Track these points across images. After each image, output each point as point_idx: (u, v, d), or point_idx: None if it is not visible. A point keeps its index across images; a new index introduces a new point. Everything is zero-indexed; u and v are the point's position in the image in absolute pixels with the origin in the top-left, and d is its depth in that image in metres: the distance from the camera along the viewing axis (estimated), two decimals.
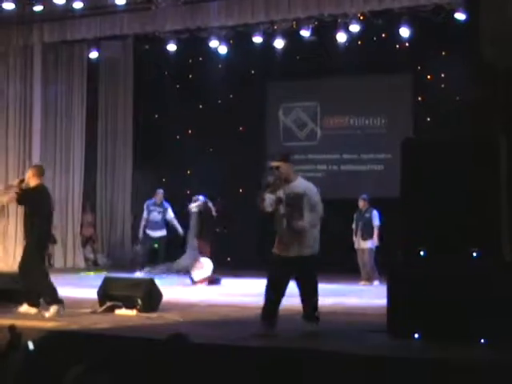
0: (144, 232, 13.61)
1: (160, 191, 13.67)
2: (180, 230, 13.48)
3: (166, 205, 13.63)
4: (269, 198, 6.97)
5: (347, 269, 13.13)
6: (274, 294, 6.99)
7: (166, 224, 13.61)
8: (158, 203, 13.56)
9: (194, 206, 13.01)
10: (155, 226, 13.53)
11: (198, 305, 9.45)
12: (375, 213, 12.30)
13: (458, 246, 6.70)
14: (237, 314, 8.35)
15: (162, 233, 13.60)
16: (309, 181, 7.29)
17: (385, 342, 6.66)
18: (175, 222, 13.58)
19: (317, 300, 7.08)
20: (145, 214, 13.60)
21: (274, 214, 7.04)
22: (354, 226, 12.45)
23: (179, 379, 5.22)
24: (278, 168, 7.05)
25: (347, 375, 5.70)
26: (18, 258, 8.92)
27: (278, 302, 6.99)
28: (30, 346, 5.45)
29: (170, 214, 13.59)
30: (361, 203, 12.50)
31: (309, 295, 7.02)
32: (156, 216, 13.50)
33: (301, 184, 7.09)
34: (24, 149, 14.35)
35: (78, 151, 15.37)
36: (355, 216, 12.49)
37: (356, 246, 12.41)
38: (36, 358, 5.31)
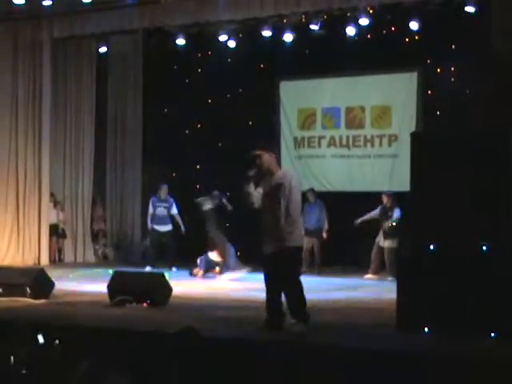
0: (152, 227, 13.60)
1: (164, 186, 13.60)
2: (182, 227, 13.50)
3: (171, 200, 13.59)
4: (257, 193, 6.88)
5: (356, 262, 13.17)
6: (268, 289, 6.91)
7: (172, 219, 13.62)
8: (163, 198, 13.53)
9: (209, 203, 13.04)
10: (161, 220, 13.49)
11: (208, 298, 9.47)
12: (398, 212, 12.06)
13: (468, 240, 6.68)
14: (245, 309, 8.35)
15: (168, 227, 13.57)
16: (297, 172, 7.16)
17: (394, 337, 6.66)
18: (178, 219, 13.56)
19: (299, 298, 6.79)
20: (150, 210, 13.57)
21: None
22: (371, 215, 12.32)
23: (189, 372, 5.24)
24: (259, 157, 6.90)
25: (357, 370, 5.71)
26: None
27: (275, 296, 6.85)
28: (41, 339, 5.48)
29: (174, 210, 13.55)
30: (385, 199, 12.29)
31: (289, 293, 6.80)
32: (162, 211, 13.47)
33: (282, 175, 6.90)
34: (33, 144, 14.37)
35: (87, 146, 15.40)
36: (378, 211, 12.32)
37: (381, 244, 12.21)
38: (44, 352, 5.34)
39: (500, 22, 11.36)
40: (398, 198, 12.22)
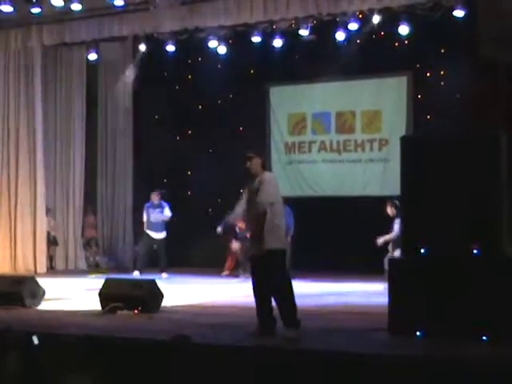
0: (145, 232, 13.59)
1: (154, 193, 13.64)
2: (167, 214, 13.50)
3: (164, 204, 13.60)
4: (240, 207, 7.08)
5: (348, 267, 13.17)
6: (256, 294, 6.90)
7: (166, 225, 13.60)
8: (156, 204, 13.56)
9: None
10: (156, 227, 13.51)
11: (200, 305, 9.45)
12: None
13: (459, 243, 6.70)
14: (238, 315, 8.34)
15: (162, 235, 13.57)
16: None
17: (386, 341, 6.66)
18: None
19: (290, 303, 6.75)
20: (145, 217, 13.59)
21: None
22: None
23: (181, 379, 5.22)
24: (251, 159, 6.96)
25: (349, 375, 5.70)
26: None
27: (264, 301, 6.83)
28: (35, 340, 5.45)
29: (167, 213, 13.51)
30: (389, 210, 10.85)
31: (279, 298, 6.77)
32: (156, 217, 13.51)
33: (263, 178, 6.88)
34: (26, 151, 14.33)
35: (78, 153, 15.37)
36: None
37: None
38: (34, 358, 5.32)
39: (487, 27, 11.42)
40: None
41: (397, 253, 11.39)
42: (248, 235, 7.05)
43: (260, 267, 6.80)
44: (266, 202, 6.74)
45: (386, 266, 11.14)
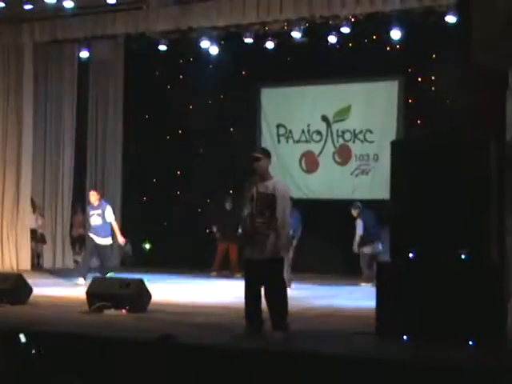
0: (88, 235, 12.17)
1: (92, 191, 12.17)
2: (119, 238, 11.78)
3: (104, 205, 11.85)
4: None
5: (336, 269, 13.21)
6: (249, 295, 6.91)
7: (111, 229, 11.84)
8: (95, 205, 11.82)
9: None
10: (96, 230, 11.76)
11: (187, 305, 9.44)
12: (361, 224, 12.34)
13: (447, 248, 6.72)
14: (226, 315, 8.33)
15: (105, 240, 11.78)
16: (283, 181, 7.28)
17: (373, 344, 6.67)
18: (114, 225, 11.79)
19: (283, 307, 6.82)
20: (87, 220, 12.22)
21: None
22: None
23: (167, 379, 5.21)
24: (258, 160, 6.94)
25: (336, 377, 5.71)
26: None
27: (256, 303, 6.86)
28: (23, 338, 5.43)
29: (108, 216, 11.74)
30: (353, 212, 12.47)
31: (273, 301, 6.81)
32: (95, 219, 11.74)
33: (275, 184, 6.93)
34: (13, 149, 14.28)
35: (67, 152, 15.31)
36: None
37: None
38: (22, 356, 5.29)
39: (479, 34, 11.45)
40: (375, 205, 12.40)
41: (366, 250, 11.87)
42: (245, 236, 6.99)
43: (260, 270, 6.79)
44: (284, 222, 6.81)
45: (363, 266, 11.83)
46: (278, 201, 6.79)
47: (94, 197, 11.91)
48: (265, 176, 6.94)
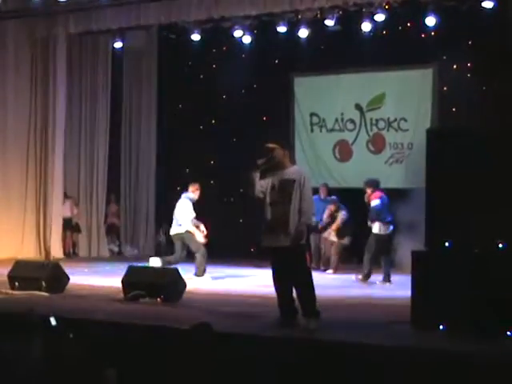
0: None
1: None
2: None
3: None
4: (259, 185, 6.87)
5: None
6: (278, 285, 6.91)
7: None
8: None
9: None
10: None
11: (221, 294, 9.47)
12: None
13: (484, 237, 6.64)
14: (260, 305, 8.34)
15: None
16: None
17: (408, 334, 6.63)
18: None
19: (311, 293, 6.80)
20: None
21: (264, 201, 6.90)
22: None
23: (201, 367, 5.24)
24: (272, 151, 6.93)
25: (370, 367, 5.68)
26: None
27: (286, 292, 6.86)
28: (53, 321, 5.48)
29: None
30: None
31: (301, 289, 6.80)
32: None
33: (295, 171, 6.94)
34: (46, 140, 14.43)
35: (102, 142, 15.44)
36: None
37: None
38: (56, 341, 5.34)
39: None
40: (404, 193, 12.12)
41: (342, 241, 11.79)
42: (266, 225, 6.96)
43: (283, 259, 6.79)
44: (310, 212, 6.89)
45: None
46: (301, 188, 6.78)
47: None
48: (283, 164, 6.94)
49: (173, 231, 11.14)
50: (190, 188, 11.33)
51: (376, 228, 11.00)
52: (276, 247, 6.83)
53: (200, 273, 10.88)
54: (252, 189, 6.88)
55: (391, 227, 11.11)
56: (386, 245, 11.01)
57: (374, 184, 11.36)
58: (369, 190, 11.28)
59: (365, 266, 10.99)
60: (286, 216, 6.74)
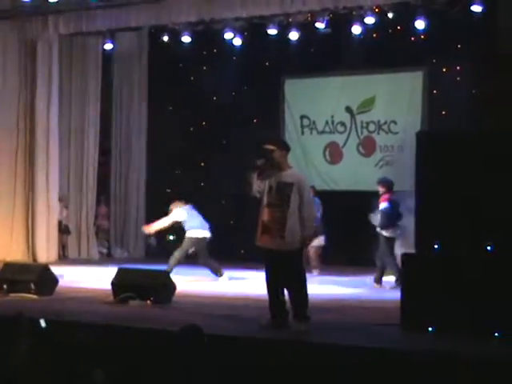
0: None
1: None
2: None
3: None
4: (256, 184, 6.85)
5: (360, 261, 13.13)
6: (270, 287, 6.90)
7: None
8: None
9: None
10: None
11: (211, 296, 9.46)
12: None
13: (473, 240, 6.67)
14: (250, 307, 8.34)
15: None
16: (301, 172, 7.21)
17: (398, 336, 6.65)
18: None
19: (304, 297, 6.82)
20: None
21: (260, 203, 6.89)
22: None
23: (191, 370, 5.23)
24: (271, 152, 6.90)
25: (360, 369, 5.69)
26: None
27: (278, 294, 6.86)
28: (43, 323, 5.47)
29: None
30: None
31: (293, 292, 6.82)
32: None
33: (293, 174, 6.93)
34: (40, 140, 14.38)
35: (92, 143, 15.38)
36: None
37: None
38: (44, 343, 5.33)
39: (506, 22, 11.33)
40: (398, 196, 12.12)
41: (318, 242, 11.68)
42: (262, 226, 6.95)
43: (278, 261, 6.79)
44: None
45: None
46: (301, 191, 6.77)
47: None
48: (282, 166, 6.91)
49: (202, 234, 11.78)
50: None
51: (385, 231, 10.98)
52: (271, 249, 6.83)
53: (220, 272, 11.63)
54: (249, 188, 6.87)
55: (398, 231, 11.12)
56: (392, 247, 10.99)
57: (387, 184, 11.23)
58: (381, 189, 11.17)
59: (394, 271, 10.68)
60: (284, 219, 6.73)
